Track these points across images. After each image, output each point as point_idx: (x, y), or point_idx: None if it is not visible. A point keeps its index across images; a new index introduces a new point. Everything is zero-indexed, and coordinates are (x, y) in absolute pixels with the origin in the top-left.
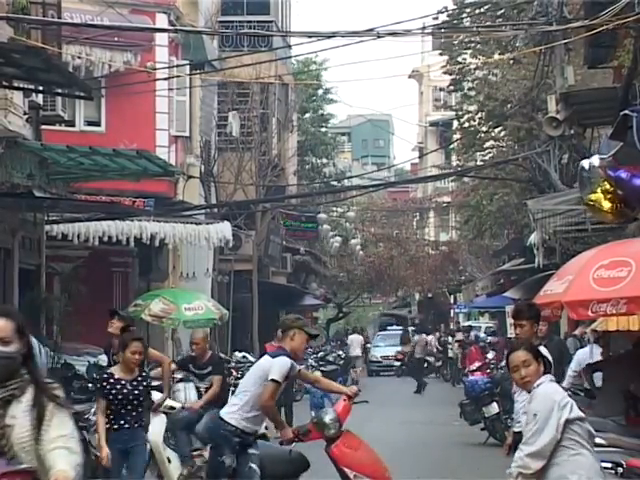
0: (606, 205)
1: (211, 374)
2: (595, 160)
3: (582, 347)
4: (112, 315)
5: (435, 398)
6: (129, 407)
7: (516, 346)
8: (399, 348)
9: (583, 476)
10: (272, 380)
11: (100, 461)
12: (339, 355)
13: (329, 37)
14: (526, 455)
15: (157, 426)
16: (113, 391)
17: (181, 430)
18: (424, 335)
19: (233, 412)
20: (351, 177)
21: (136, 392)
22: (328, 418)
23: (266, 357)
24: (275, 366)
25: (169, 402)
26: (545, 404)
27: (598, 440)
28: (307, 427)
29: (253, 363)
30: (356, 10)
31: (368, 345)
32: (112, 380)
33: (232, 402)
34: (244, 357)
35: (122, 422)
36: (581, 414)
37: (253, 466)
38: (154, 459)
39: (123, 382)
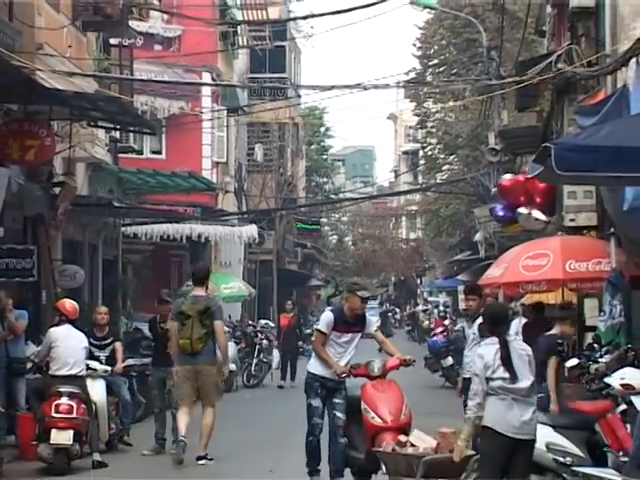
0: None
1: (112, 344)
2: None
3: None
4: (160, 302)
5: (406, 354)
6: None
7: None
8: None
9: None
10: (316, 329)
11: None
12: None
13: (329, 89)
14: (477, 403)
15: (100, 389)
16: None
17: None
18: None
19: (311, 363)
20: (345, 192)
21: None
22: (377, 363)
23: None
24: (320, 319)
25: (94, 364)
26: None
27: None
28: (361, 364)
29: (273, 328)
30: (349, 66)
31: None
32: None
33: (313, 354)
34: (266, 324)
35: None
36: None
37: (338, 414)
38: (97, 420)
39: None
